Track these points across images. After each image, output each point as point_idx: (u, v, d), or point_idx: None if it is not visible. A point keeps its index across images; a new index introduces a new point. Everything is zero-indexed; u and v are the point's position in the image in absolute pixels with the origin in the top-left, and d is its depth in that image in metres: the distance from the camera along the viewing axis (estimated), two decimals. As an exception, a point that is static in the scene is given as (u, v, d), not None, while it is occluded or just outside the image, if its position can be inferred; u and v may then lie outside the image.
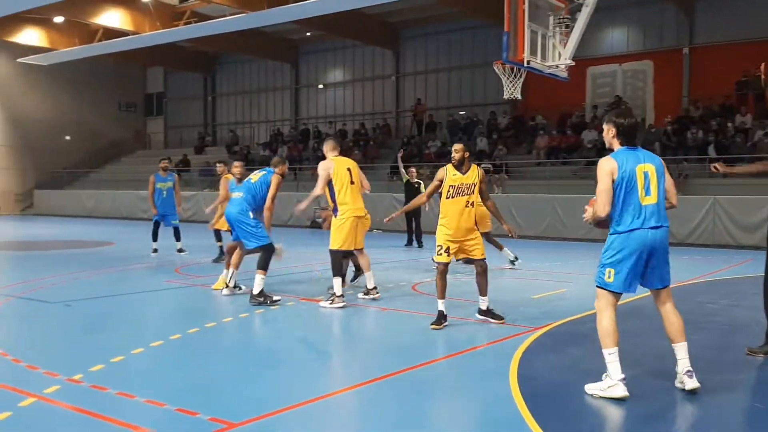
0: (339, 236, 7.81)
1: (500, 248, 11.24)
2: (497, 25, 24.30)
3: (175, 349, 5.93)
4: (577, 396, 4.52)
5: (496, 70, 10.67)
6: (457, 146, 6.73)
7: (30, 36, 27.75)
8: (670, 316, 4.63)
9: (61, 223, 25.67)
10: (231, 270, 8.54)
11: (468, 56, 27.19)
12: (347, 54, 31.14)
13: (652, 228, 4.46)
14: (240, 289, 8.62)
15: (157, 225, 13.40)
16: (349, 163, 8.09)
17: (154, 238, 13.37)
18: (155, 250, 13.21)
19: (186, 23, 25.00)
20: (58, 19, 26.79)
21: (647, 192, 4.45)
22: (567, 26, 10.64)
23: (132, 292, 9.02)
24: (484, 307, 6.89)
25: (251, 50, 31.35)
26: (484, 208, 10.96)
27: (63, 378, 4.84)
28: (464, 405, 4.60)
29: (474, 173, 6.70)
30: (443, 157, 24.13)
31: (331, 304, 7.73)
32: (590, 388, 4.58)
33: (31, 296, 8.52)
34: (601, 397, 4.47)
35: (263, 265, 7.89)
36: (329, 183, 7.87)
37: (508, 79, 10.48)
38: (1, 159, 32.71)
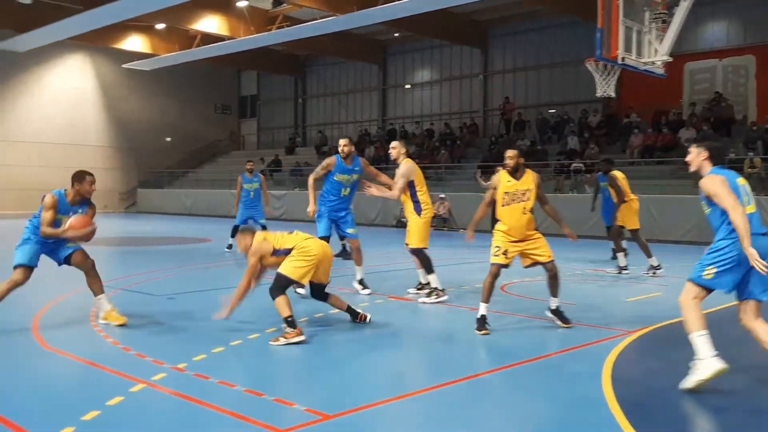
0: (422, 235, 8.10)
1: (622, 251, 10.74)
2: (588, 22, 23.73)
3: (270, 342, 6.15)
4: (674, 401, 4.41)
5: (589, 68, 10.45)
6: (510, 152, 6.60)
7: (134, 42, 29.28)
8: (763, 327, 4.55)
9: (162, 220, 26.96)
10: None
11: (558, 53, 26.68)
12: (434, 53, 31.17)
13: (762, 234, 4.53)
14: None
15: (236, 228, 13.47)
16: None
17: (233, 235, 13.50)
18: (230, 246, 13.51)
19: (278, 27, 25.70)
20: (160, 26, 28.15)
21: (749, 201, 4.62)
22: (664, 21, 10.28)
23: (228, 287, 9.36)
24: (553, 307, 6.71)
25: (340, 52, 31.91)
26: (635, 204, 10.54)
27: (168, 366, 5.12)
28: (555, 405, 4.56)
29: (529, 179, 6.57)
30: (532, 156, 23.77)
31: (436, 298, 7.97)
32: (686, 382, 4.54)
33: (137, 289, 9.03)
34: (700, 382, 4.46)
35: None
36: (410, 184, 8.05)
37: (601, 76, 10.25)
38: (106, 159, 34.69)
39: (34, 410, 4.27)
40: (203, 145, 37.95)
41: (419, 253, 8.13)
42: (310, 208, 8.55)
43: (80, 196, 6.57)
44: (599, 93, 10.56)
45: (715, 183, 4.55)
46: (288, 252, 6.24)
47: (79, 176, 6.53)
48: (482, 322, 6.46)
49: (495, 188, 6.63)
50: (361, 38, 30.83)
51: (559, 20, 25.96)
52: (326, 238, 8.28)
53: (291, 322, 5.95)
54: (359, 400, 4.48)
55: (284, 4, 25.04)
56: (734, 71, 22.38)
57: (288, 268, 6.17)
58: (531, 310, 7.59)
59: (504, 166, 6.68)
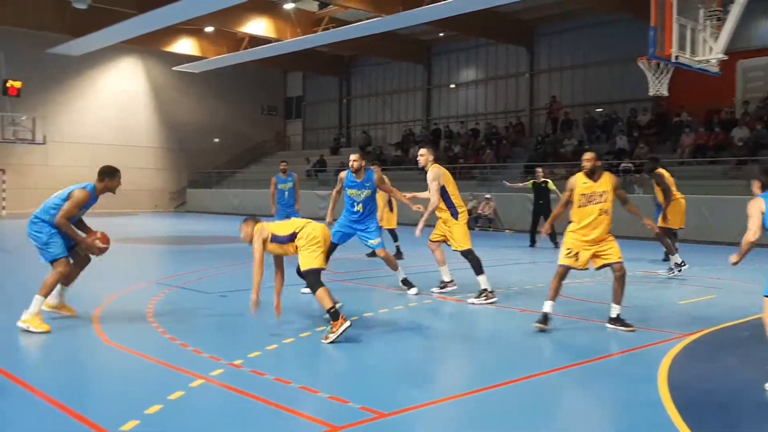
0: (466, 237, 8.21)
1: (674, 252, 10.59)
2: (637, 19, 23.34)
3: (321, 340, 6.25)
4: (733, 406, 4.34)
5: (641, 66, 10.29)
6: (588, 155, 6.65)
7: (184, 45, 29.94)
8: None
9: (210, 219, 27.48)
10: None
11: (606, 51, 26.27)
12: (480, 53, 31.03)
13: None
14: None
15: None
16: None
17: None
18: None
19: (324, 29, 25.94)
20: (209, 29, 28.70)
21: None
22: (719, 19, 10.06)
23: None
24: (614, 315, 6.63)
25: (385, 52, 32.04)
26: (682, 203, 10.54)
27: (225, 362, 5.24)
28: (612, 408, 4.55)
29: (606, 181, 6.61)
30: (579, 156, 23.45)
31: (485, 300, 8.00)
32: None
33: (191, 287, 9.24)
34: None
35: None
36: (443, 190, 8.16)
37: (653, 75, 10.08)
38: (158, 160, 35.54)
39: (100, 403, 4.44)
40: (250, 146, 38.54)
41: (468, 254, 8.17)
42: (327, 219, 8.74)
43: (107, 191, 6.67)
44: (652, 92, 10.39)
45: (752, 207, 5.05)
46: (289, 238, 6.34)
47: (112, 173, 6.65)
48: (544, 317, 6.52)
49: (570, 191, 6.69)
50: (405, 38, 30.88)
51: (606, 18, 25.57)
52: (334, 246, 8.43)
53: (334, 313, 6.02)
54: (413, 399, 4.52)
55: (330, 6, 25.25)
56: (790, 68, 21.72)
57: (308, 261, 6.24)
58: (581, 312, 7.54)
59: (581, 169, 6.73)
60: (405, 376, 5.18)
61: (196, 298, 8.38)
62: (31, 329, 6.19)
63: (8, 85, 23.95)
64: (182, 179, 36.14)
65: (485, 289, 8.06)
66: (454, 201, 8.19)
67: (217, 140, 36.99)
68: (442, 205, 8.20)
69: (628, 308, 7.49)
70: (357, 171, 8.47)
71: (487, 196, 22.48)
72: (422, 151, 8.48)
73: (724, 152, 20.09)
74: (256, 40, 28.12)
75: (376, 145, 33.43)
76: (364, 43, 28.00)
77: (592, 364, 5.48)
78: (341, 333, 5.93)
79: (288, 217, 13.86)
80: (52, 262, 6.45)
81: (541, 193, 15.65)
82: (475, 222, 22.77)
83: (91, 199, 6.58)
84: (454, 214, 8.17)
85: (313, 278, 6.21)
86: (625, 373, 5.34)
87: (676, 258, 10.39)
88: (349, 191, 8.52)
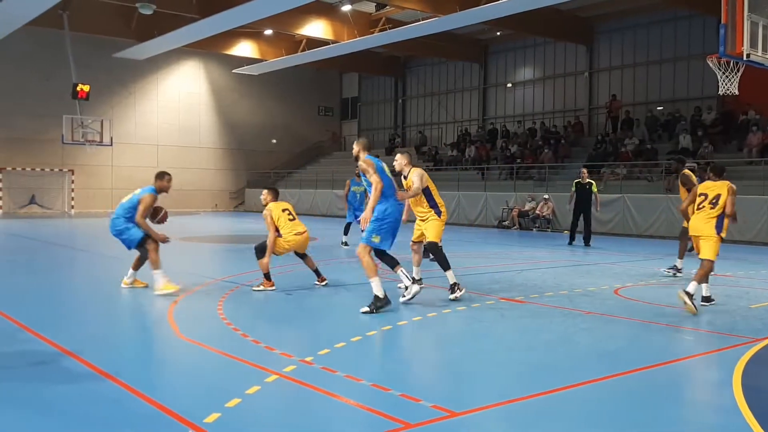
0: (440, 232, 8.51)
1: (681, 255, 10.71)
2: (701, 15, 22.77)
3: (388, 339, 6.36)
4: (814, 413, 4.24)
5: (710, 65, 10.07)
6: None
7: (243, 48, 30.55)
8: None
9: (268, 219, 27.88)
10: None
11: (669, 48, 25.68)
12: (537, 51, 30.72)
13: None
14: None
15: (349, 225, 15.21)
16: None
17: (345, 233, 15.17)
18: (345, 243, 15.05)
19: (381, 30, 26.09)
20: (268, 32, 29.22)
21: None
22: (792, 14, 9.72)
23: (340, 285, 9.72)
24: (705, 294, 7.95)
25: (440, 52, 32.02)
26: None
27: (297, 359, 5.39)
28: (687, 413, 4.49)
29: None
30: (641, 155, 23.00)
31: (459, 292, 8.21)
32: None
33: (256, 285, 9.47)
34: None
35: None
36: (425, 189, 8.46)
37: (723, 74, 9.85)
38: (218, 160, 36.36)
39: (183, 396, 4.62)
40: (307, 147, 39.07)
41: (435, 248, 8.36)
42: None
43: (162, 191, 8.60)
44: (722, 91, 10.15)
45: None
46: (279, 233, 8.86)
47: (161, 175, 8.68)
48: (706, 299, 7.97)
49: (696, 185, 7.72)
50: (462, 38, 30.80)
51: (669, 14, 25.01)
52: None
53: (267, 275, 8.72)
54: (484, 399, 4.57)
55: (387, 7, 25.37)
56: None
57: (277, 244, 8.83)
58: (650, 316, 7.43)
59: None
60: (474, 375, 5.22)
61: (261, 296, 8.59)
62: (169, 292, 8.12)
63: (78, 88, 24.83)
64: (241, 179, 36.88)
65: (455, 283, 8.24)
66: (437, 200, 8.54)
67: (274, 141, 37.63)
68: (426, 206, 8.50)
69: (698, 313, 7.36)
70: (356, 159, 7.89)
71: (546, 196, 22.26)
72: (401, 157, 8.69)
73: (794, 151, 19.40)
74: (313, 42, 28.49)
75: (431, 145, 33.44)
76: (420, 43, 28.06)
77: (664, 368, 5.41)
78: (267, 290, 8.50)
79: (356, 216, 14.56)
80: (138, 245, 8.28)
81: (584, 193, 15.77)
82: (533, 222, 22.58)
83: (155, 199, 8.42)
84: (438, 213, 8.51)
85: (263, 249, 8.82)
86: (699, 377, 5.27)
87: (679, 263, 10.62)
88: None
